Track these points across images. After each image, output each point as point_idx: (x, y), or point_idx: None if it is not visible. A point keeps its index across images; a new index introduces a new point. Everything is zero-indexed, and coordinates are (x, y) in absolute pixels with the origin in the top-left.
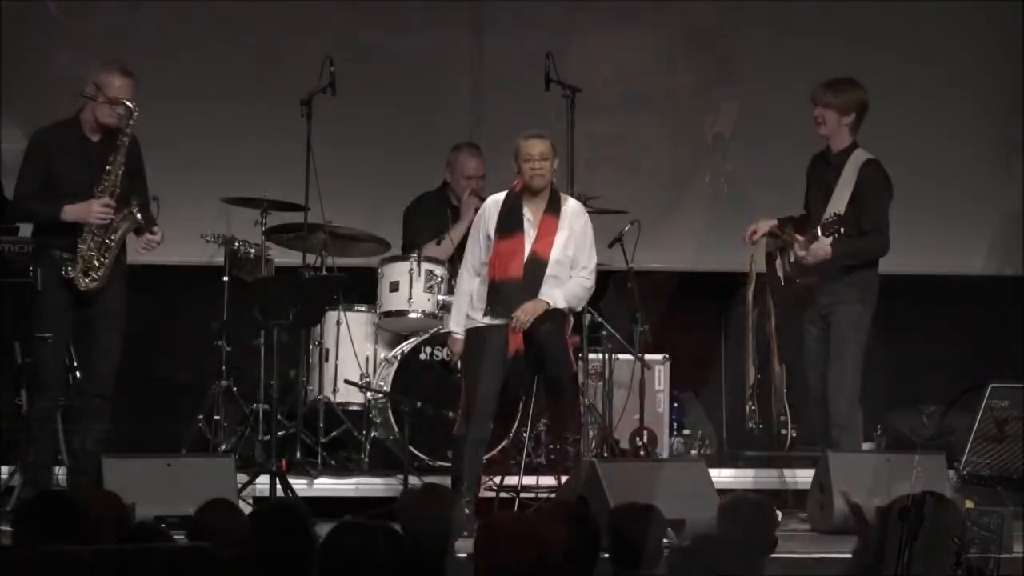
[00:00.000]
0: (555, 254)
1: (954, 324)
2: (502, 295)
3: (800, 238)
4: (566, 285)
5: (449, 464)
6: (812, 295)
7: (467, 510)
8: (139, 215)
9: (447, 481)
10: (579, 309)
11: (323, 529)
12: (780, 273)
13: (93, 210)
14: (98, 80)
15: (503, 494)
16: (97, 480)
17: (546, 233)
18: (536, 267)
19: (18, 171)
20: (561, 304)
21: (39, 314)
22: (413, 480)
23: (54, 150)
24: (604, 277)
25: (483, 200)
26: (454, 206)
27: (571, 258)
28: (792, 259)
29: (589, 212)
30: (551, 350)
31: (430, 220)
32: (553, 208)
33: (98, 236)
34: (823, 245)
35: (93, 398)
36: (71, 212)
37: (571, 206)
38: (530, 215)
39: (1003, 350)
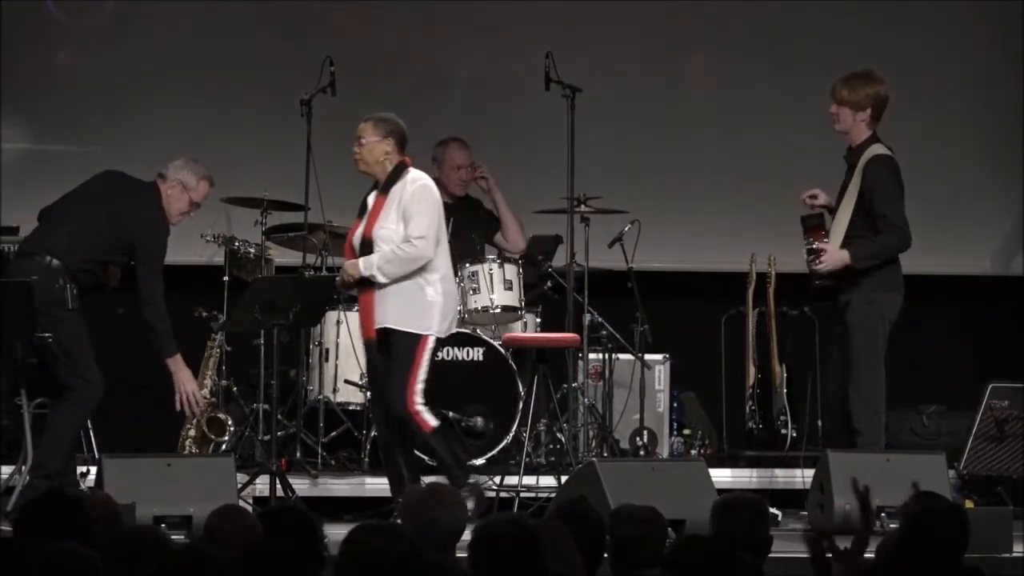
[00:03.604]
0: (378, 231)
1: (954, 324)
2: None
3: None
4: (382, 250)
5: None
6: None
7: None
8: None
9: (445, 480)
10: (397, 275)
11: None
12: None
13: (189, 392)
14: (190, 183)
15: (503, 493)
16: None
17: (374, 213)
18: (366, 249)
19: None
20: (378, 276)
21: (71, 331)
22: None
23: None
24: (604, 277)
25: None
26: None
27: (398, 231)
28: (810, 263)
29: (589, 212)
30: (390, 386)
31: None
32: (387, 187)
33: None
34: (840, 253)
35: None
36: (178, 367)
37: (407, 178)
38: (371, 199)
39: (1003, 350)
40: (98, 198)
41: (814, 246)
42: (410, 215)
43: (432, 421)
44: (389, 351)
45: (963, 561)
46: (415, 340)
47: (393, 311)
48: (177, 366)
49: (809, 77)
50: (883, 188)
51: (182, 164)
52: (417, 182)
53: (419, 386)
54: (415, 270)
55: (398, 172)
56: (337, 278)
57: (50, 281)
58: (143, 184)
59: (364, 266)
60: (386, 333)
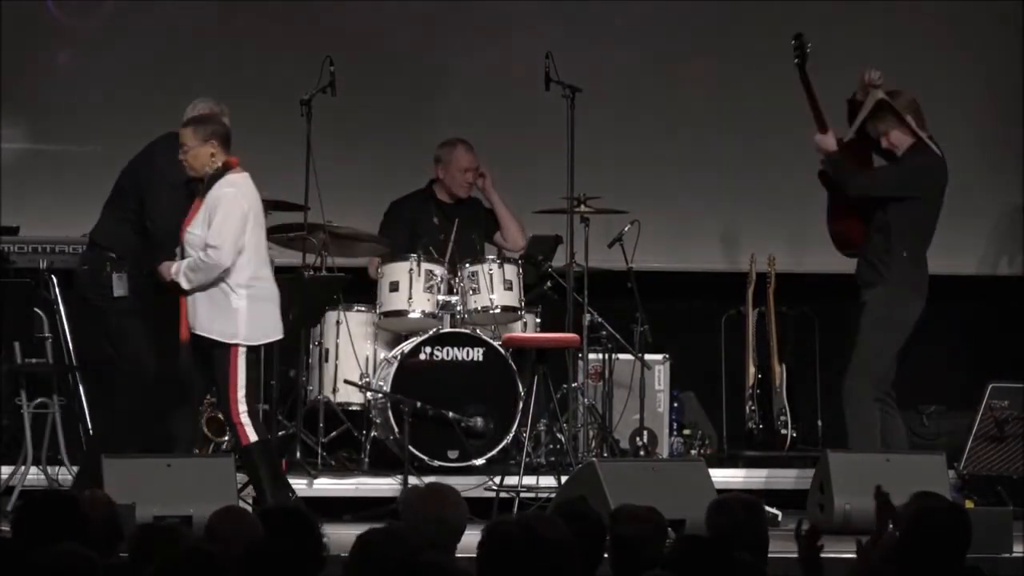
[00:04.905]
0: (187, 235)
1: (954, 324)
2: None
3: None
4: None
5: (448, 463)
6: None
7: None
8: None
9: (445, 480)
10: (201, 283)
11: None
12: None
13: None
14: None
15: (503, 494)
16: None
17: (191, 216)
18: (183, 253)
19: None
20: (183, 284)
21: (117, 323)
22: (413, 480)
23: None
24: (604, 277)
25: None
26: (440, 203)
27: (203, 236)
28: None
29: (589, 212)
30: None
31: (402, 229)
32: (205, 190)
33: None
34: (827, 140)
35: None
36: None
37: (223, 181)
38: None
39: (1003, 350)
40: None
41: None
42: (210, 222)
43: (252, 435)
44: (202, 355)
45: (964, 561)
46: (225, 351)
47: (201, 316)
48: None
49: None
50: (890, 164)
51: (189, 108)
52: (226, 188)
53: (240, 394)
54: (221, 277)
55: (218, 175)
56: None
57: (97, 268)
58: (159, 139)
59: (175, 270)
60: (197, 337)
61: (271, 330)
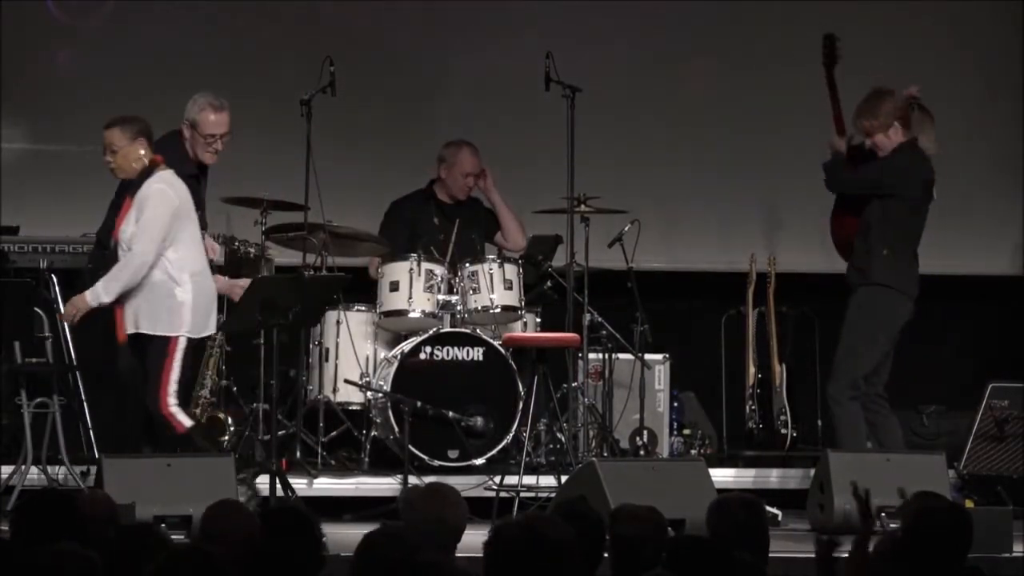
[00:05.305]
0: (120, 233)
1: (954, 324)
2: None
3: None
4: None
5: (448, 463)
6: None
7: None
8: None
9: (445, 480)
10: (127, 287)
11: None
12: None
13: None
14: (193, 119)
15: (503, 493)
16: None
17: (121, 215)
18: (115, 253)
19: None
20: (104, 299)
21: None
22: (413, 479)
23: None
24: (604, 277)
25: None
26: (441, 203)
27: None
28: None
29: (589, 212)
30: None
31: (402, 229)
32: (135, 188)
33: None
34: (838, 142)
35: None
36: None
37: (152, 179)
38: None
39: (1003, 350)
40: None
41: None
42: (137, 219)
43: (186, 422)
44: (143, 354)
45: (965, 561)
46: (165, 342)
47: (144, 315)
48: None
49: (809, 77)
50: (878, 160)
51: (189, 104)
52: (155, 184)
53: (172, 387)
54: (165, 271)
55: (146, 173)
56: (64, 311)
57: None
58: (160, 138)
59: (91, 298)
60: (137, 337)
61: (212, 321)
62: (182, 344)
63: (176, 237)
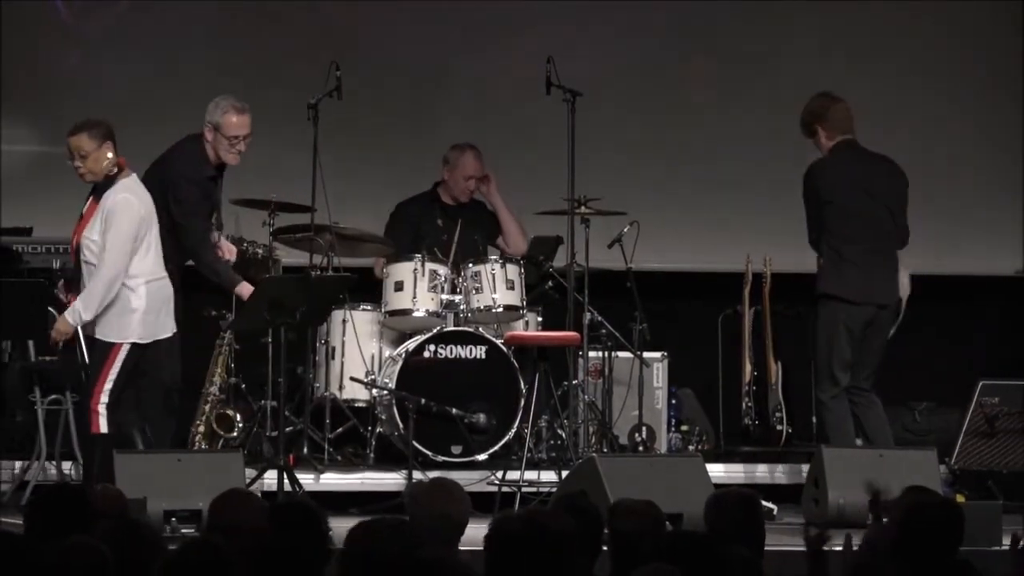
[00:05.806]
0: (83, 239)
1: (944, 322)
2: None
3: None
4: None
5: (451, 459)
6: None
7: None
8: None
9: (449, 475)
10: (105, 302)
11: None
12: None
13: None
14: (216, 121)
15: (505, 488)
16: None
17: (86, 219)
18: (78, 255)
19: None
20: (85, 317)
21: None
22: (417, 475)
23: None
24: (604, 277)
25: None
26: (445, 205)
27: (100, 242)
28: None
29: (589, 213)
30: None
31: (407, 231)
32: (100, 192)
33: None
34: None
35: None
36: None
37: (117, 186)
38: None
39: (993, 348)
40: None
41: None
42: (107, 229)
43: (104, 427)
44: (90, 351)
45: (957, 555)
46: (110, 346)
47: (97, 321)
48: (243, 290)
49: (809, 78)
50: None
51: (211, 107)
52: (121, 193)
53: (107, 386)
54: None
55: (113, 178)
56: (52, 334)
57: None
58: (180, 142)
59: (72, 319)
60: (91, 339)
61: (162, 328)
62: (124, 349)
63: (138, 246)
